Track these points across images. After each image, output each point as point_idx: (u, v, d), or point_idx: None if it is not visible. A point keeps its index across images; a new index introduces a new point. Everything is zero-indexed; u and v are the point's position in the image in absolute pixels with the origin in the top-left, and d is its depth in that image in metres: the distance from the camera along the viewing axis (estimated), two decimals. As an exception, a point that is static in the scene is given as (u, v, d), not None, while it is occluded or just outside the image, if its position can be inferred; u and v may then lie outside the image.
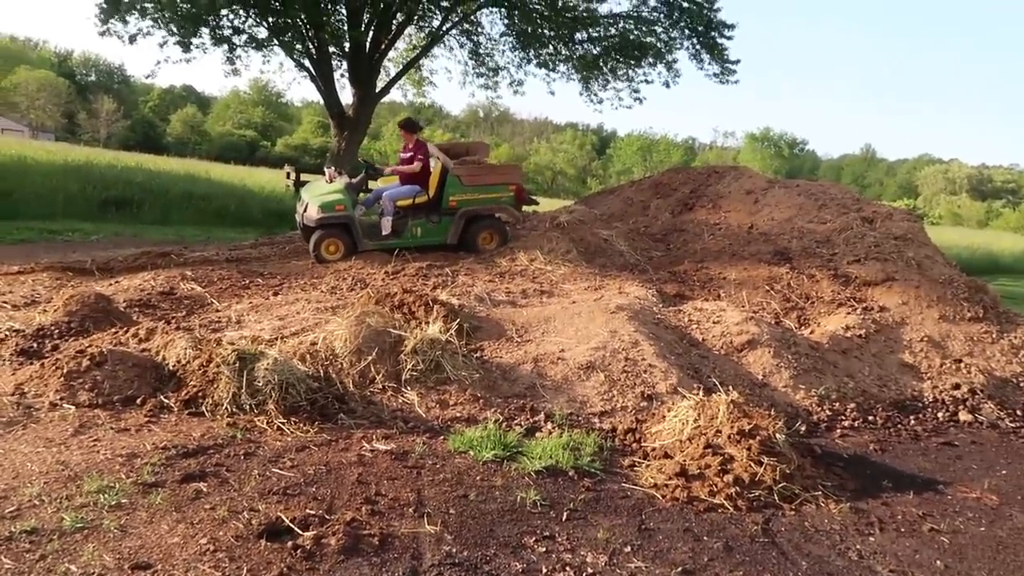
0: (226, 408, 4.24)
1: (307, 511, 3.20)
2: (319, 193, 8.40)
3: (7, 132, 52.68)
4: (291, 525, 3.05)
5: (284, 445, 3.95)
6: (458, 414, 4.65)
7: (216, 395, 4.29)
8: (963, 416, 5.79)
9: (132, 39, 14.11)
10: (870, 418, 5.62)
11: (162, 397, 4.35)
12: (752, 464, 3.99)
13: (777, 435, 4.20)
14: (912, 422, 5.63)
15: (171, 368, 4.59)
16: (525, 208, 9.86)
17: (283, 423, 4.18)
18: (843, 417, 5.56)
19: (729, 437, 4.17)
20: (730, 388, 5.28)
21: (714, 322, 6.47)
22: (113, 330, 5.18)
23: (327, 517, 3.17)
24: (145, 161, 21.14)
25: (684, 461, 4.11)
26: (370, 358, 4.88)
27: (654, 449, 4.37)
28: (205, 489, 3.36)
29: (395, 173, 8.86)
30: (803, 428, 5.16)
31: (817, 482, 4.13)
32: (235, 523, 3.06)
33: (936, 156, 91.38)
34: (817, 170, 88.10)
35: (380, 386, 4.82)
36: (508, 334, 5.84)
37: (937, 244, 8.93)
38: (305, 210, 8.35)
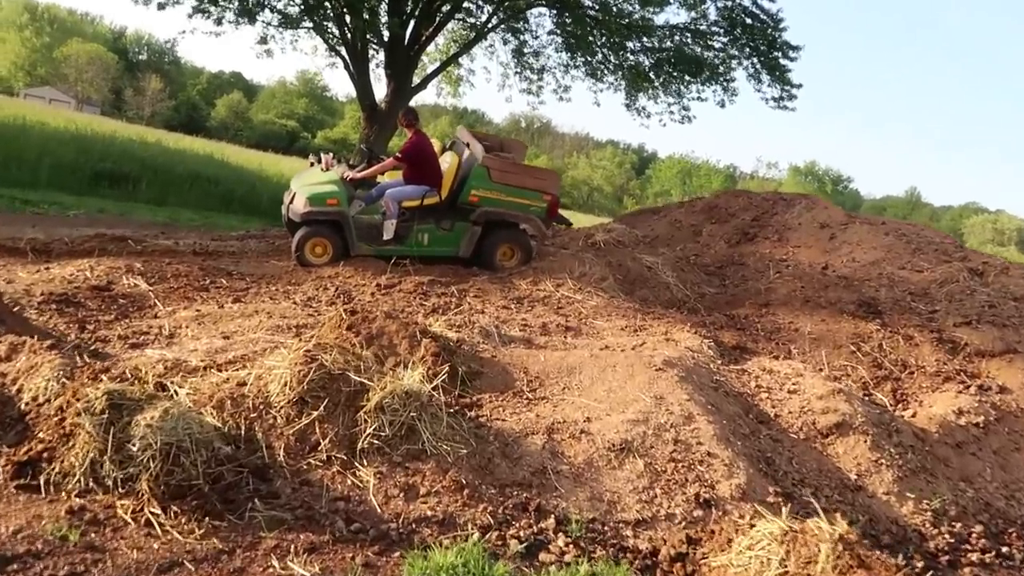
0: (79, 481, 2.82)
1: None
2: (310, 183, 7.00)
3: (55, 103, 52.73)
4: None
5: (142, 559, 2.51)
6: (430, 511, 3.18)
7: (68, 460, 2.86)
8: None
9: (161, 6, 13.63)
10: (1003, 548, 4.09)
11: (-10, 453, 2.94)
12: (877, 657, 2.49)
13: (909, 603, 2.70)
14: (1062, 559, 4.08)
15: (23, 407, 3.19)
16: (556, 225, 8.40)
17: (157, 514, 2.74)
18: (968, 546, 4.04)
19: (838, 602, 2.66)
20: (822, 497, 3.81)
21: (790, 391, 4.94)
22: (-28, 340, 3.78)
23: None
24: (164, 138, 20.04)
25: (767, 638, 2.62)
26: (316, 413, 3.43)
27: (716, 601, 2.89)
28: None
29: (379, 171, 7.33)
30: (919, 564, 3.63)
31: None
32: None
33: (983, 205, 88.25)
34: (858, 209, 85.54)
35: (324, 456, 3.35)
36: (517, 386, 4.36)
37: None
38: (291, 201, 6.96)
